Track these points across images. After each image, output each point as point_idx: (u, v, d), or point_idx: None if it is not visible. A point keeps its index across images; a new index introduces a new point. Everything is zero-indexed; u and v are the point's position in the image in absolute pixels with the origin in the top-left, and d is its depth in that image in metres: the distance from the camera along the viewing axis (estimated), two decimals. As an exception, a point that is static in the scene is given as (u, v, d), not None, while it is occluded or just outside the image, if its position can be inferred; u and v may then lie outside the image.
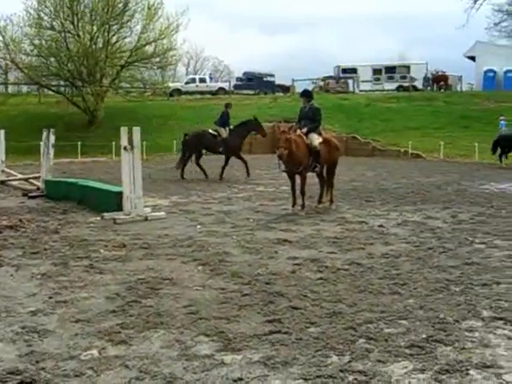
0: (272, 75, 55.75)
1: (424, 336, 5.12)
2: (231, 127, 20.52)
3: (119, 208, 11.51)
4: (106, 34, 40.76)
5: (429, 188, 17.30)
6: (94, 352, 4.76)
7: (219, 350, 4.79)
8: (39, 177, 16.18)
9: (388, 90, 50.25)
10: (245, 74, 55.32)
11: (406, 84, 51.01)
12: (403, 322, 5.49)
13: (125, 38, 42.50)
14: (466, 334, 5.23)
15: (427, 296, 6.32)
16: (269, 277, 7.02)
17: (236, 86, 53.46)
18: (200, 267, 7.53)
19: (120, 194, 11.63)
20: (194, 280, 6.93)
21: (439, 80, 49.73)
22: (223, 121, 20.57)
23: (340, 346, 4.87)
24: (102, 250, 8.56)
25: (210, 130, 21.03)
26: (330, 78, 53.39)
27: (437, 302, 6.12)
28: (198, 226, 10.61)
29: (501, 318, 5.63)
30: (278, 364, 4.53)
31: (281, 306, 5.87)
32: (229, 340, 4.99)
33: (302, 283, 6.74)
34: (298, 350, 4.80)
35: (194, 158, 20.82)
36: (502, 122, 35.68)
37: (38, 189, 15.65)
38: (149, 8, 41.47)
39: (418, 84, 50.52)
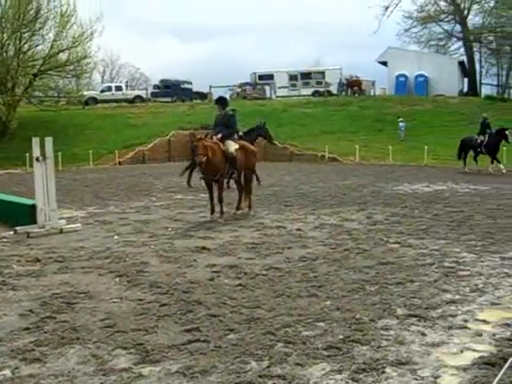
0: (189, 82, 55.51)
1: (341, 337, 5.20)
2: (241, 133, 20.23)
3: (33, 221, 11.17)
4: (17, 41, 39.58)
5: (345, 191, 17.66)
6: (7, 372, 4.59)
7: (137, 363, 4.72)
8: None
9: (304, 96, 51.00)
10: (162, 81, 54.80)
11: (321, 89, 51.93)
12: (321, 324, 5.56)
13: (37, 45, 41.48)
14: (382, 332, 5.35)
15: (344, 297, 6.43)
16: (187, 285, 6.97)
17: (153, 94, 52.87)
18: (117, 279, 7.40)
19: (33, 206, 11.28)
20: (111, 292, 6.80)
21: (353, 85, 50.85)
22: None
23: (259, 352, 4.88)
24: (14, 266, 8.27)
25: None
26: (246, 84, 53.64)
27: (353, 302, 6.24)
28: (115, 237, 10.42)
29: (415, 316, 5.81)
30: (196, 373, 4.50)
31: (199, 315, 5.84)
32: (147, 352, 4.92)
33: (221, 290, 6.73)
34: (217, 357, 4.78)
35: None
36: (401, 124, 37.07)
37: None
38: (61, 15, 40.60)
39: (333, 89, 51.49)
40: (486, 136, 25.43)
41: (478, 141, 25.65)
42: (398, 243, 9.48)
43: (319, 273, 7.52)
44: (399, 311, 5.96)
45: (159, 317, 5.82)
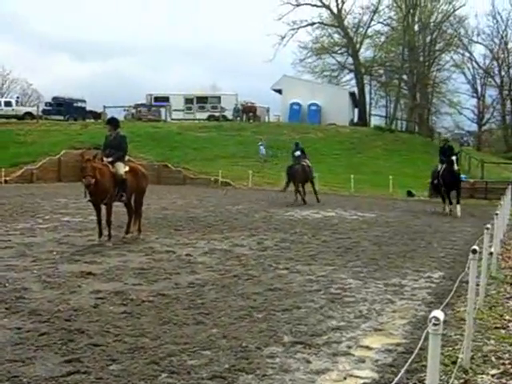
0: (83, 101, 54.30)
1: (226, 366, 5.15)
2: (298, 153, 24.52)
3: None
4: None
5: (237, 215, 17.73)
6: None
7: (11, 397, 4.46)
8: None
9: (199, 120, 51.13)
10: (54, 98, 53.23)
11: (216, 114, 52.27)
12: (206, 352, 5.49)
13: None
14: (268, 360, 5.35)
15: (231, 324, 6.39)
16: (69, 313, 6.69)
17: (45, 111, 51.26)
18: (-6, 306, 7.00)
19: None
20: (-13, 320, 6.42)
21: (248, 111, 51.52)
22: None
23: (141, 383, 4.74)
24: None
25: (304, 163, 24.26)
26: (142, 105, 53.17)
27: (240, 329, 6.21)
28: (-4, 261, 9.90)
29: (300, 342, 5.86)
30: (73, 407, 4.30)
31: (81, 344, 5.61)
32: (22, 385, 4.66)
33: (105, 318, 6.51)
34: (98, 389, 4.60)
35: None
36: (261, 146, 38.19)
37: None
38: None
39: (228, 114, 51.94)
40: (444, 165, 19.86)
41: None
42: (287, 269, 9.58)
43: (207, 299, 7.45)
44: (285, 338, 5.99)
45: (38, 347, 5.54)
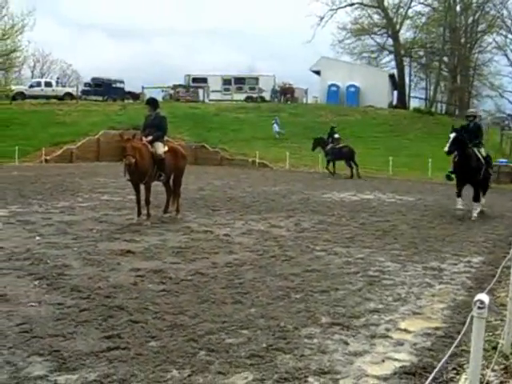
0: (122, 81, 54.61)
1: (264, 345, 5.16)
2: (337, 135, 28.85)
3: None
4: None
5: (274, 197, 17.72)
6: None
7: (53, 371, 4.54)
8: None
9: (237, 101, 51.04)
10: (93, 79, 53.68)
11: (254, 95, 52.13)
12: (244, 331, 5.50)
13: (-37, 36, 39.92)
14: (305, 340, 5.34)
15: (269, 304, 6.40)
16: (109, 290, 6.79)
17: (84, 92, 51.76)
18: (36, 282, 7.13)
19: None
20: (30, 296, 6.54)
21: (286, 92, 51.23)
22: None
23: (180, 360, 4.78)
24: None
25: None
26: (180, 86, 53.29)
27: (278, 310, 6.21)
28: (37, 238, 10.08)
29: (338, 324, 5.84)
30: (115, 382, 4.37)
31: (121, 321, 5.68)
32: (64, 359, 4.74)
33: (144, 296, 6.58)
34: (137, 365, 4.66)
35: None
36: (275, 124, 38.19)
37: None
38: (-9, 6, 39.27)
39: (266, 95, 51.75)
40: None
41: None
42: (325, 251, 9.55)
43: (245, 279, 7.47)
44: (323, 319, 5.97)
45: (78, 322, 5.64)
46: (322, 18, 58.85)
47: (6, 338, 5.20)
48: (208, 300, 6.48)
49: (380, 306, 6.53)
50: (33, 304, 6.23)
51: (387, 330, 5.75)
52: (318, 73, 54.76)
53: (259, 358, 4.89)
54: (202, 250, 9.32)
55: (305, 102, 53.46)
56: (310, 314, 6.11)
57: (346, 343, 5.33)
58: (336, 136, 28.63)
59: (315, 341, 5.36)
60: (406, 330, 5.75)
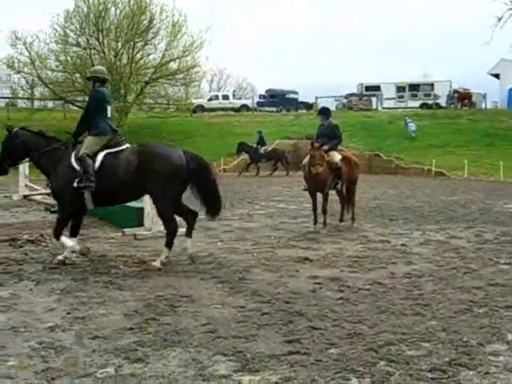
0: (295, 92, 55.76)
1: (447, 359, 4.98)
2: None
3: (140, 223, 11.51)
4: (130, 50, 41.07)
5: (452, 206, 17.08)
6: (110, 370, 4.70)
7: (237, 371, 4.71)
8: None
9: (411, 108, 49.98)
10: (268, 91, 55.39)
11: (429, 102, 50.78)
12: (425, 344, 5.36)
13: (149, 54, 42.80)
14: (490, 358, 5.08)
15: (450, 318, 6.17)
16: (289, 296, 6.92)
17: (259, 103, 53.50)
18: (219, 285, 7.46)
19: (141, 209, 11.61)
20: (213, 298, 6.85)
21: (463, 97, 49.33)
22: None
23: (360, 369, 4.76)
24: (121, 266, 8.53)
25: None
26: (353, 95, 53.26)
27: (460, 324, 5.97)
28: (219, 243, 10.55)
29: (527, 343, 5.49)
30: (296, 386, 4.43)
31: (300, 326, 5.77)
32: (247, 360, 4.90)
33: (323, 303, 6.63)
34: (318, 371, 4.70)
35: None
36: (410, 123, 37.71)
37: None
38: (173, 25, 41.69)
39: (442, 102, 50.19)
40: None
41: None
42: (509, 264, 9.02)
43: (424, 291, 7.27)
44: (509, 336, 5.64)
45: (260, 325, 5.81)
46: (499, 19, 56.00)
47: (192, 336, 5.48)
48: (387, 310, 6.39)
49: None
50: (217, 306, 6.51)
51: None
52: (497, 76, 52.24)
53: (441, 372, 4.73)
54: (379, 259, 9.21)
55: (483, 107, 51.10)
56: (495, 331, 5.80)
57: (536, 363, 5.01)
58: None
59: (501, 358, 5.08)
60: None
